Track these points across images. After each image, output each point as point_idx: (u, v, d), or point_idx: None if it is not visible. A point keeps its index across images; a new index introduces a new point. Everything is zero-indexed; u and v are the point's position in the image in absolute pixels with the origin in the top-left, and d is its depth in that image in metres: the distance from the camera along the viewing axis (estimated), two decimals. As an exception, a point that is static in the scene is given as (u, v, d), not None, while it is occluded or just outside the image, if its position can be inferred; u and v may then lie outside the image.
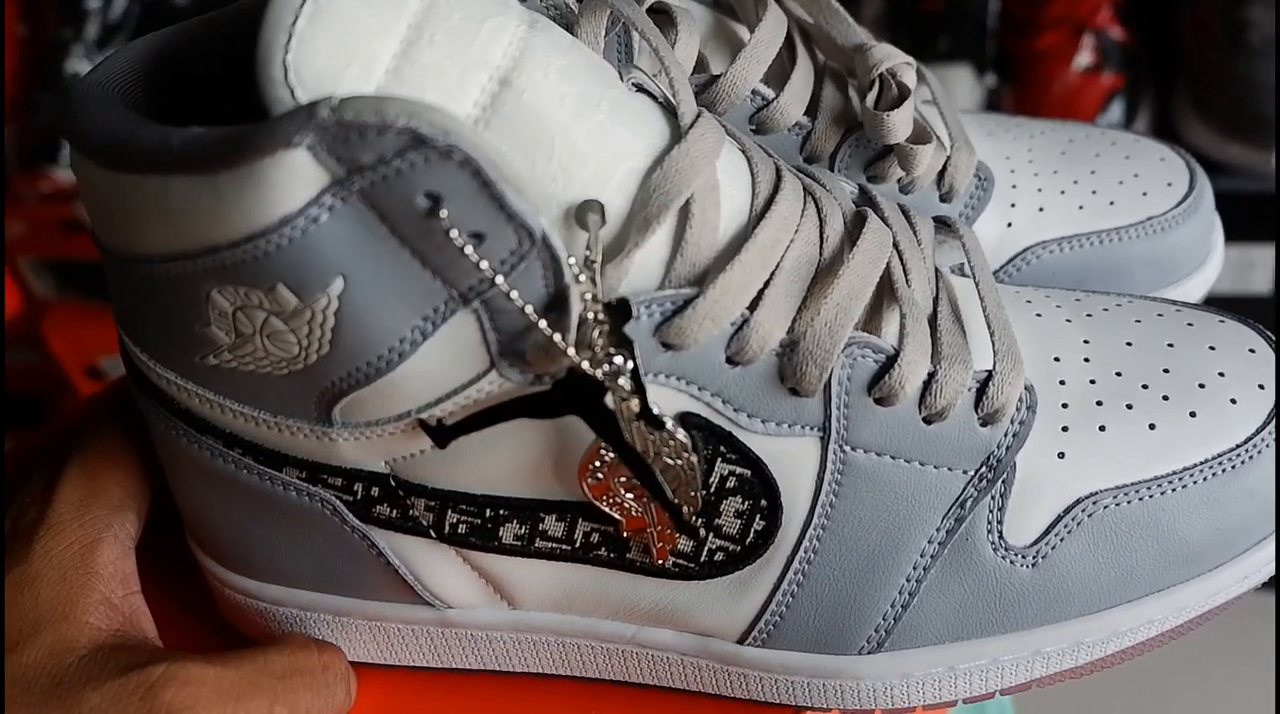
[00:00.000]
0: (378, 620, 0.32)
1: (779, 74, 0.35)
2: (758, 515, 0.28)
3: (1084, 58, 0.76)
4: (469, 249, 0.23)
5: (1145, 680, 0.74)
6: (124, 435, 0.32)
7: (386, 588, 0.30)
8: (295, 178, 0.22)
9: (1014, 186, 0.38)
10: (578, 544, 0.29)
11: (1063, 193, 0.38)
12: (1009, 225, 0.37)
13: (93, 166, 0.24)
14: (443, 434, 0.26)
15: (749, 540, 0.28)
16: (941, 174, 0.36)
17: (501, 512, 0.28)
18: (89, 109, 0.25)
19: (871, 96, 0.34)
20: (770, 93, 0.34)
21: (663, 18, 0.33)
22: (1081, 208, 0.38)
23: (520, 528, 0.29)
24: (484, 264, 0.23)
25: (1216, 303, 0.35)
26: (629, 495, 0.27)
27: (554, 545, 0.29)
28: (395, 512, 0.29)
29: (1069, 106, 0.75)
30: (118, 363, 0.30)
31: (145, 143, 0.23)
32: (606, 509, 0.28)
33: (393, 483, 0.28)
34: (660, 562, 0.29)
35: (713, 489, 0.28)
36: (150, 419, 0.29)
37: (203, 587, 0.35)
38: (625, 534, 0.28)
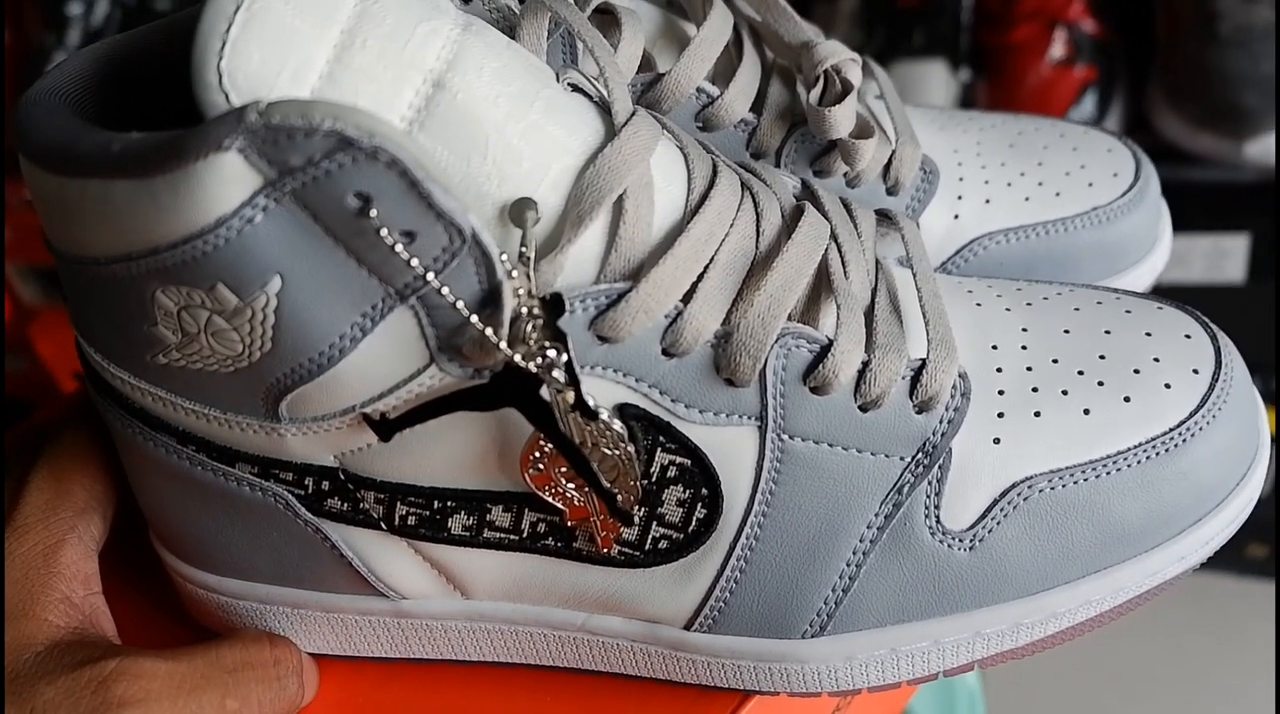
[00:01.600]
0: (335, 612, 0.32)
1: (725, 71, 0.36)
2: (699, 504, 0.29)
3: (1057, 51, 0.77)
4: (400, 247, 0.24)
5: (1143, 680, 0.75)
6: (91, 438, 0.33)
7: (341, 580, 0.31)
8: (228, 180, 0.23)
9: (961, 179, 0.38)
10: (525, 534, 0.30)
11: (1009, 184, 0.39)
12: (956, 217, 0.38)
13: (40, 171, 0.25)
14: (386, 428, 0.27)
15: (691, 528, 0.29)
16: (887, 168, 0.37)
17: (449, 503, 0.29)
18: (36, 116, 0.25)
19: (815, 92, 0.35)
20: (715, 90, 0.35)
21: (608, 19, 0.34)
22: (1028, 199, 0.38)
23: (468, 519, 0.29)
24: (415, 262, 0.24)
25: (1189, 292, 0.35)
26: (570, 485, 0.28)
27: (502, 536, 0.30)
28: (346, 505, 0.29)
29: (1042, 100, 0.75)
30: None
31: (86, 148, 0.24)
32: (549, 499, 0.28)
33: (342, 476, 0.29)
34: (605, 550, 0.29)
35: (654, 479, 0.28)
36: (108, 418, 0.30)
37: (167, 583, 0.35)
38: (570, 524, 0.29)
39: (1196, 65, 0.74)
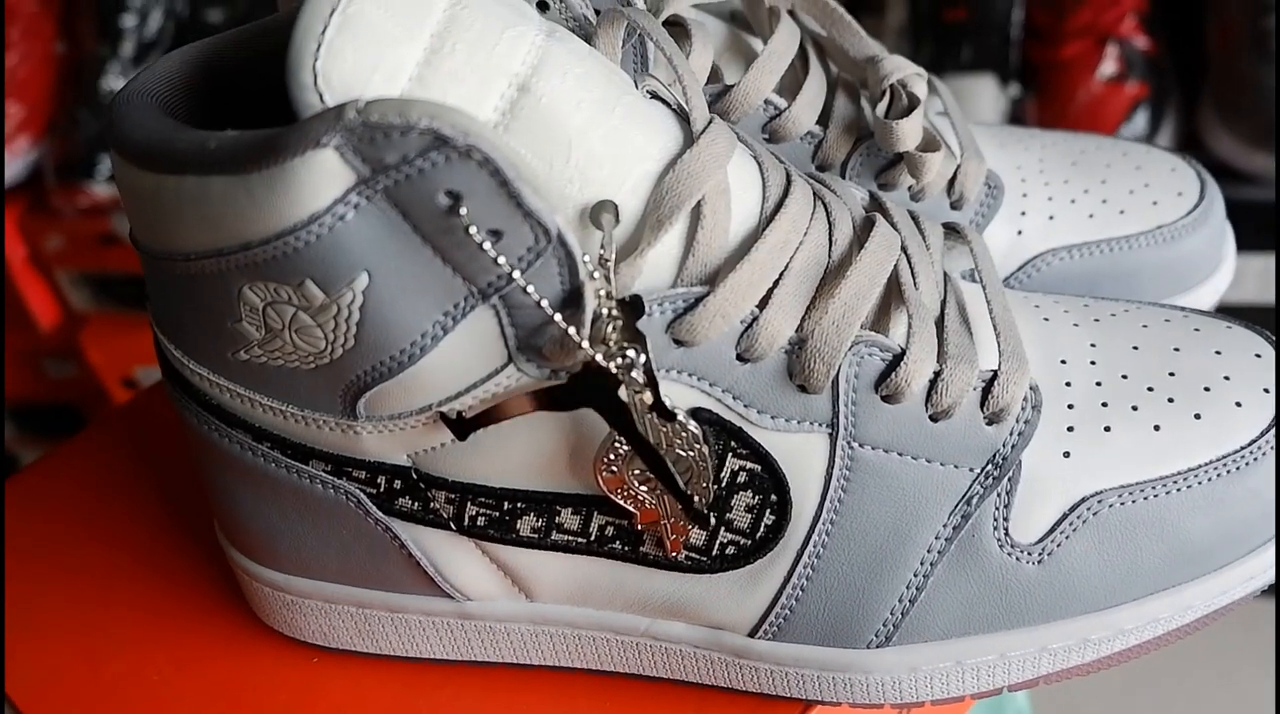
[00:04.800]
0: (399, 612, 0.33)
1: (792, 84, 0.36)
2: (768, 510, 0.29)
3: (1108, 67, 0.76)
4: (487, 246, 0.24)
5: (1143, 682, 0.74)
6: None
7: (408, 580, 0.31)
8: (323, 177, 0.23)
9: (1024, 195, 0.39)
10: (593, 537, 0.30)
11: (1073, 201, 0.39)
12: (1019, 233, 0.38)
13: (134, 169, 0.25)
14: (462, 427, 0.27)
15: (759, 534, 0.29)
16: (952, 182, 0.37)
17: (519, 504, 0.29)
18: (130, 115, 0.26)
19: (882, 106, 0.35)
20: (783, 102, 0.35)
21: (678, 30, 0.34)
22: (1092, 216, 0.38)
23: (537, 521, 0.30)
24: (502, 260, 0.24)
25: (1244, 313, 0.35)
26: (643, 488, 0.28)
27: (570, 538, 0.30)
28: (417, 504, 0.30)
29: (1093, 116, 0.75)
30: (152, 373, 0.32)
31: (184, 145, 0.24)
32: (621, 502, 0.28)
33: (414, 476, 0.29)
34: (673, 554, 0.30)
35: (724, 484, 0.28)
36: (183, 414, 0.31)
37: (231, 580, 0.36)
38: (639, 527, 0.29)
39: (1250, 83, 0.74)
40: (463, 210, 0.23)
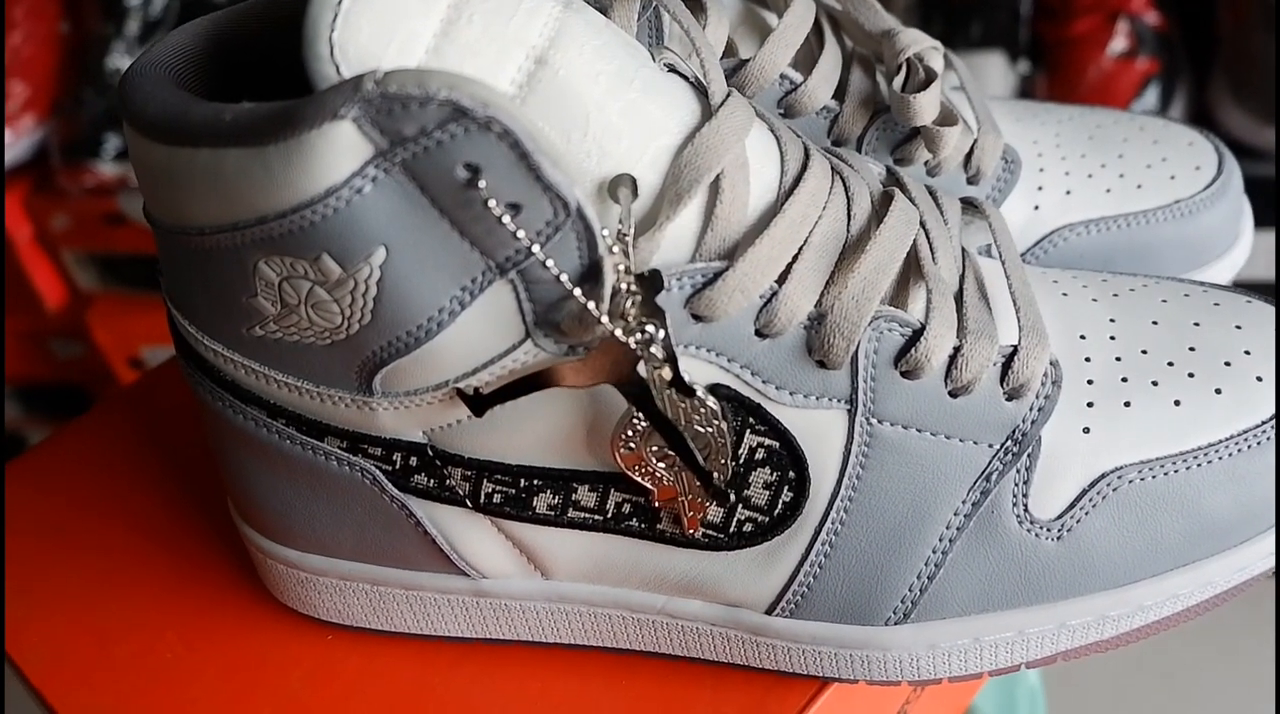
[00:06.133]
0: (414, 590, 0.32)
1: (807, 59, 0.36)
2: (785, 487, 0.29)
3: (1118, 43, 0.75)
4: (506, 219, 0.24)
5: (1143, 675, 0.74)
6: None
7: (424, 557, 0.31)
8: (341, 149, 0.23)
9: (1041, 169, 0.38)
10: (610, 515, 0.30)
11: (1090, 176, 0.38)
12: (1036, 208, 0.38)
13: (147, 142, 0.25)
14: (479, 403, 0.27)
15: (777, 511, 0.29)
16: (968, 157, 0.36)
17: (535, 481, 0.29)
18: (144, 88, 0.26)
19: (898, 80, 0.35)
20: (798, 77, 0.35)
21: (693, 3, 0.34)
22: (1109, 191, 0.38)
23: (553, 498, 0.29)
24: (520, 234, 0.24)
25: (1259, 289, 0.35)
26: (660, 464, 0.28)
27: (586, 516, 0.30)
28: (433, 481, 0.30)
29: (1103, 93, 0.74)
30: (158, 353, 0.31)
31: (199, 117, 0.24)
32: (638, 478, 0.28)
33: (430, 452, 0.29)
34: (690, 532, 0.29)
35: (741, 460, 0.28)
36: (196, 390, 0.30)
37: (244, 558, 0.36)
38: (656, 504, 0.29)
39: (1261, 59, 0.73)
40: (481, 183, 0.23)
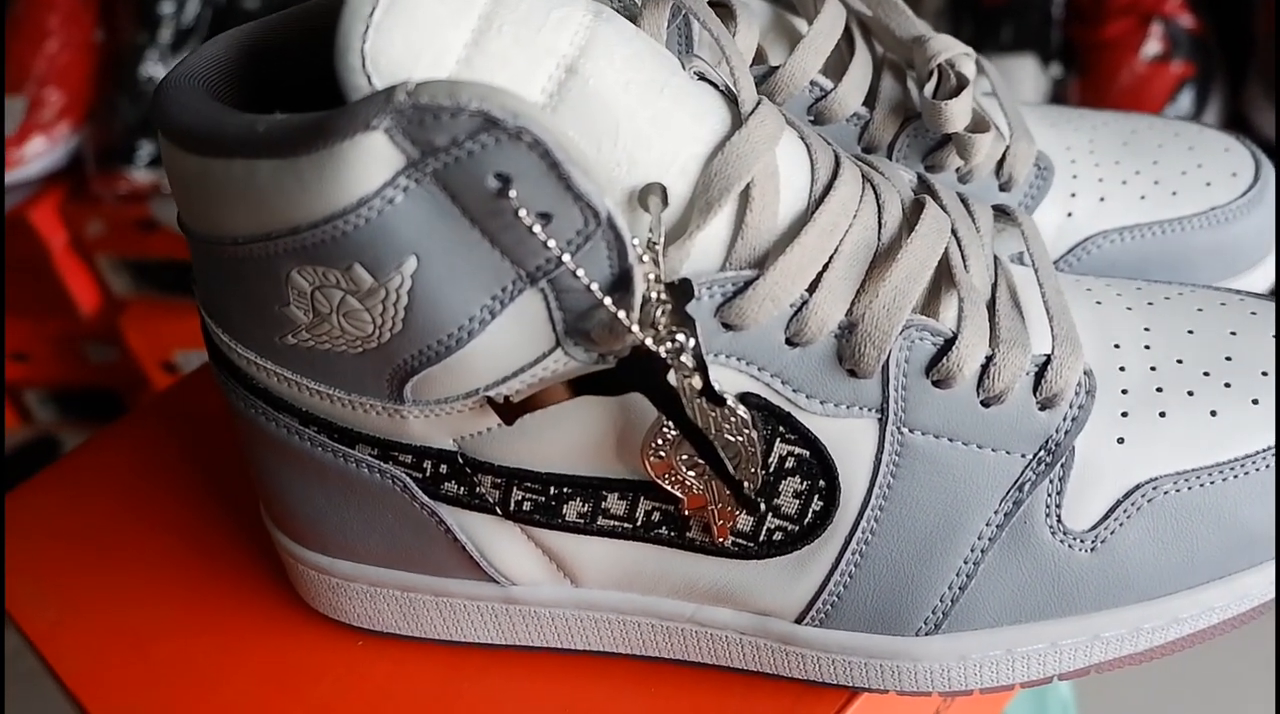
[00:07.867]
0: (444, 596, 0.33)
1: (837, 66, 0.36)
2: (816, 496, 0.29)
3: (1152, 46, 0.74)
4: (537, 228, 0.24)
5: (1177, 688, 0.73)
6: None
7: (453, 564, 0.31)
8: (372, 160, 0.23)
9: (1075, 176, 0.38)
10: (639, 522, 0.30)
11: (1124, 183, 0.38)
12: (1069, 215, 0.37)
13: (181, 153, 0.25)
14: (510, 411, 0.27)
15: (807, 520, 0.29)
16: (1000, 163, 0.36)
17: (565, 489, 0.29)
18: (178, 99, 0.26)
19: (930, 86, 0.35)
20: (828, 84, 0.35)
21: (723, 11, 0.34)
22: (1143, 198, 0.38)
23: (583, 506, 0.29)
24: (551, 243, 0.24)
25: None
26: (690, 473, 0.28)
27: (616, 524, 0.30)
28: (463, 489, 0.30)
29: (1137, 96, 0.73)
30: (191, 357, 0.32)
31: (232, 128, 0.24)
32: (668, 487, 0.28)
33: (461, 460, 0.29)
34: (720, 540, 0.29)
35: (772, 469, 0.28)
36: (229, 397, 0.31)
37: (276, 564, 0.36)
38: (686, 512, 0.29)
39: (1298, 62, 0.72)
40: (512, 193, 0.23)
